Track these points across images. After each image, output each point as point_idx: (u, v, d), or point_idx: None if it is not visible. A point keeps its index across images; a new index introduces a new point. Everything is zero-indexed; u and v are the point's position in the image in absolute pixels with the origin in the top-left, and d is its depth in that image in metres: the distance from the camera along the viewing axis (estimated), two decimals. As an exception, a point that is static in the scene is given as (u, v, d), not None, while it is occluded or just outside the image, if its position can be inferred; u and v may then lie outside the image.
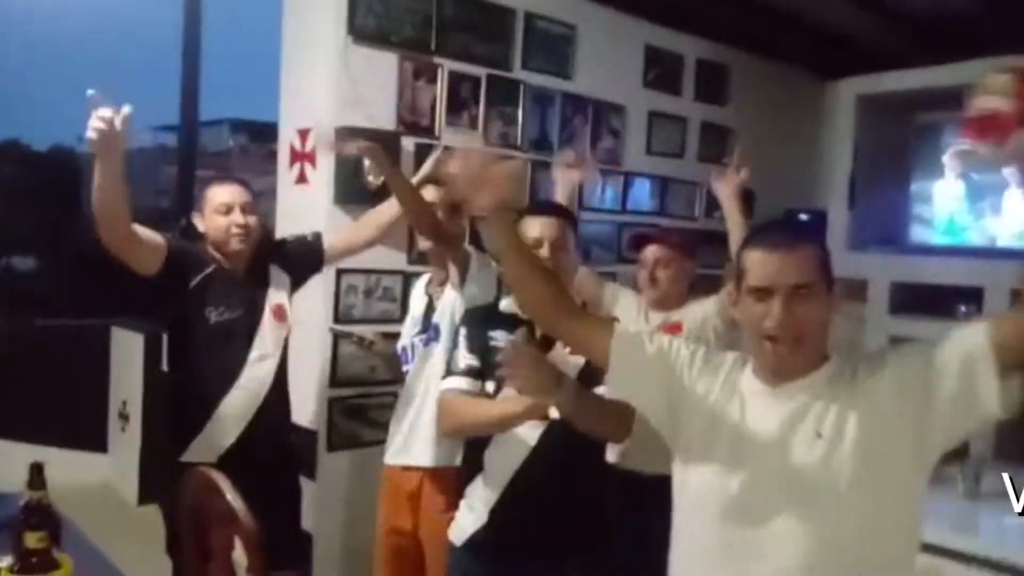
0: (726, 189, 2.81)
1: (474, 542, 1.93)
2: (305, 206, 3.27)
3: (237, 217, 2.40)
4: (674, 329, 2.65)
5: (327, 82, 3.23)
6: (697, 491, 1.44)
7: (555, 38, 3.90)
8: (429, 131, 3.46)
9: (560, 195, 2.94)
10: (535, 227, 1.94)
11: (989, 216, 4.58)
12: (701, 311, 2.71)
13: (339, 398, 3.20)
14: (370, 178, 3.16)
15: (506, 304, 2.01)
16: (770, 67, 4.94)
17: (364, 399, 3.24)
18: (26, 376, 4.11)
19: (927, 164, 4.72)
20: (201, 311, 2.37)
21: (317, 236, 2.78)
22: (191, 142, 5.30)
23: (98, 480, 3.27)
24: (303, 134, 3.31)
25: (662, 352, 1.50)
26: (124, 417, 4.65)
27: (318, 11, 3.26)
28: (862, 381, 1.36)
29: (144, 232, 2.26)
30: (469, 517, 1.95)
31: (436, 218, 2.55)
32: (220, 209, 2.40)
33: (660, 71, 4.40)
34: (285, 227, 3.40)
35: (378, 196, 3.17)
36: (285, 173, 3.42)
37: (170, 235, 2.42)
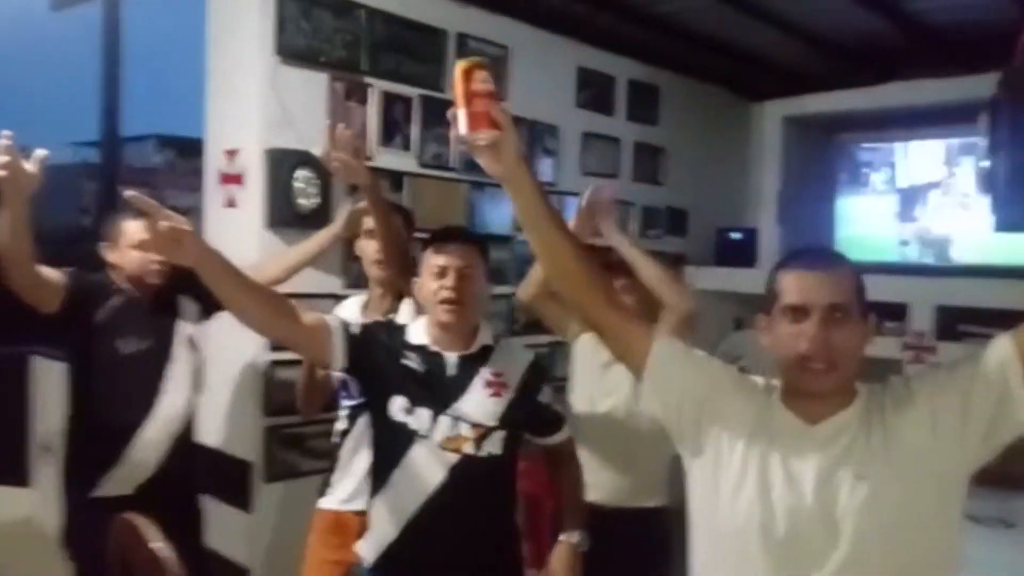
0: (615, 238, 2.70)
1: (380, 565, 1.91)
2: (235, 230, 3.17)
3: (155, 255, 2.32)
4: None
5: (255, 102, 3.15)
6: (728, 530, 1.38)
7: (488, 59, 3.88)
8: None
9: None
10: (439, 256, 1.89)
11: (914, 232, 4.75)
12: None
13: (275, 427, 3.10)
14: (301, 200, 3.10)
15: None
16: (699, 88, 5.04)
17: (301, 427, 3.15)
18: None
19: (849, 182, 4.87)
20: (111, 343, 2.32)
21: None
22: (113, 158, 5.12)
23: (21, 515, 3.10)
24: (230, 154, 3.22)
25: (704, 363, 1.47)
26: (47, 449, 4.45)
27: (245, 29, 3.18)
28: (895, 414, 1.32)
29: (44, 272, 2.20)
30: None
31: (406, 249, 2.50)
32: (137, 245, 2.33)
33: (593, 92, 4.44)
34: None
35: (310, 219, 3.12)
36: (212, 195, 3.32)
37: (71, 270, 2.34)
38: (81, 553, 2.31)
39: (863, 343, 1.36)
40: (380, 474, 1.91)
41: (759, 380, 1.46)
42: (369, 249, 2.52)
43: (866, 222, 4.93)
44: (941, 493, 1.31)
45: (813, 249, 1.56)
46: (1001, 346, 1.28)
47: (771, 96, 4.95)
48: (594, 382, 2.72)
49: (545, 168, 4.21)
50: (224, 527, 3.07)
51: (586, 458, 2.48)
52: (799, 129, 4.87)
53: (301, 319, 1.77)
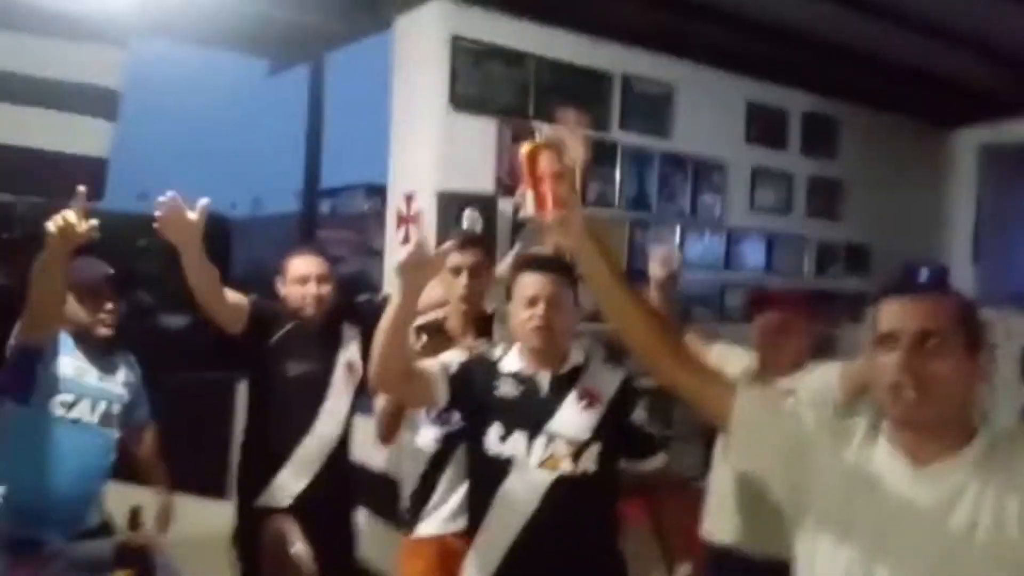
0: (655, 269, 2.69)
1: None
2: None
3: (311, 288, 2.58)
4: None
5: (431, 149, 3.42)
6: None
7: (653, 98, 3.97)
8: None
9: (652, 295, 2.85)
10: (529, 285, 1.92)
11: None
12: (820, 380, 2.39)
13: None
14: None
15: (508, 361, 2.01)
16: (882, 118, 4.81)
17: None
18: (164, 427, 4.41)
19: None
20: (281, 365, 2.56)
21: (385, 297, 2.89)
22: (313, 206, 5.68)
23: (221, 526, 3.45)
24: (408, 198, 3.50)
25: (789, 420, 1.38)
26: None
27: (423, 82, 3.47)
28: (1019, 480, 1.20)
29: (231, 295, 2.48)
30: None
31: None
32: (297, 280, 2.59)
33: (763, 126, 4.38)
34: (393, 287, 3.58)
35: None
36: (392, 235, 3.62)
37: (254, 296, 2.60)
38: (245, 555, 2.55)
39: (968, 379, 1.24)
40: (478, 506, 1.93)
41: (861, 421, 1.37)
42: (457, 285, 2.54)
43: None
44: None
45: (912, 272, 1.48)
46: None
47: (965, 123, 4.62)
48: None
49: (713, 205, 4.19)
50: (383, 544, 3.28)
51: (716, 494, 2.42)
52: (998, 158, 4.50)
53: (416, 374, 1.86)
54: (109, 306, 2.39)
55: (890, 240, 4.72)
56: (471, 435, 1.98)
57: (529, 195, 1.39)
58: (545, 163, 1.37)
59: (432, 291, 2.66)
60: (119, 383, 2.46)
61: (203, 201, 2.17)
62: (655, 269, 2.78)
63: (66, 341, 2.37)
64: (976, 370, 1.25)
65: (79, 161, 3.19)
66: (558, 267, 1.98)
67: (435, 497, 2.41)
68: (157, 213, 2.11)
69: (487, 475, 1.91)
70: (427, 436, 2.41)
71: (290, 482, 2.53)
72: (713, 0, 3.68)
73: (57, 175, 3.16)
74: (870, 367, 1.31)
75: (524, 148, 1.39)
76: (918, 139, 4.94)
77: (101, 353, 2.42)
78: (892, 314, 1.28)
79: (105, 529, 2.39)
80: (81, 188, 2.06)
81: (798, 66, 4.29)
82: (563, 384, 1.95)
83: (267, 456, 2.57)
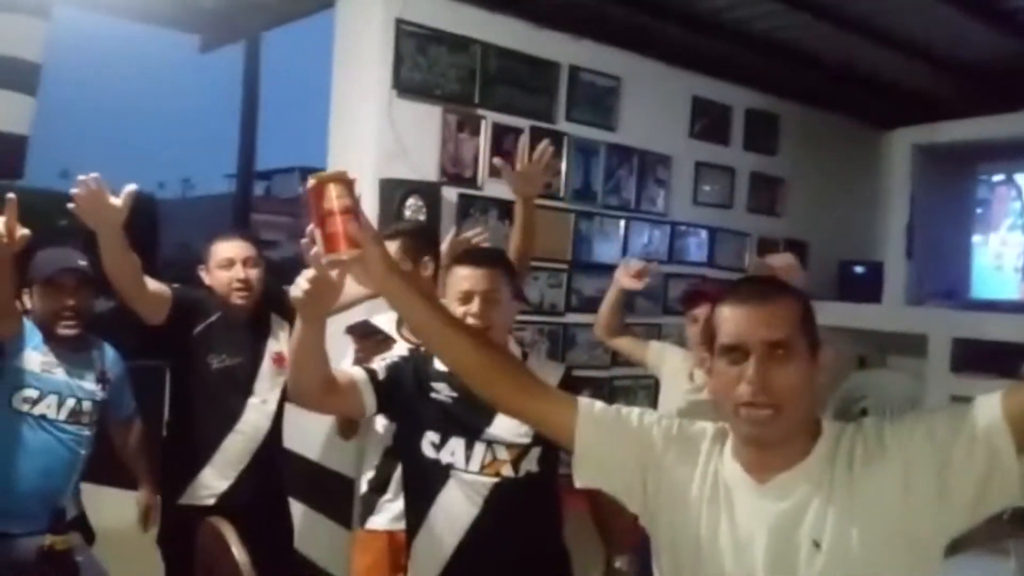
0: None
1: None
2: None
3: (238, 272, 2.43)
4: None
5: (373, 135, 3.31)
6: None
7: (600, 90, 3.93)
8: (472, 182, 3.51)
9: (612, 294, 3.01)
10: (465, 279, 1.82)
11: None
12: None
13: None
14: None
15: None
16: (822, 116, 4.88)
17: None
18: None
19: (988, 215, 4.57)
20: (204, 357, 2.43)
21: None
22: (247, 189, 5.51)
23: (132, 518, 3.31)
24: (348, 185, 3.39)
25: (635, 430, 1.33)
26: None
27: (365, 67, 3.36)
28: (863, 465, 1.17)
29: (152, 285, 2.33)
30: None
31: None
32: (223, 264, 2.44)
33: (708, 121, 4.39)
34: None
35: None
36: (331, 223, 3.50)
37: (177, 285, 2.47)
38: (170, 555, 2.45)
39: (813, 380, 1.20)
40: (416, 513, 1.86)
41: (708, 427, 1.32)
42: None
43: (1007, 258, 4.60)
44: (911, 560, 1.15)
45: (750, 280, 1.41)
46: (989, 408, 1.11)
47: (901, 124, 4.73)
48: (680, 395, 2.73)
49: (657, 198, 4.19)
50: (324, 538, 3.19)
51: None
52: (931, 158, 4.62)
53: (338, 387, 1.71)
54: (70, 302, 2.28)
55: (827, 236, 4.80)
56: (405, 440, 1.89)
57: (318, 234, 1.25)
58: (334, 198, 1.24)
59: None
60: (91, 380, 2.35)
61: (130, 187, 2.03)
62: (628, 282, 2.89)
63: (34, 334, 2.27)
64: (817, 369, 1.21)
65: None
66: (493, 260, 1.90)
67: (389, 491, 2.35)
68: (74, 192, 1.96)
69: (424, 481, 1.83)
70: (380, 425, 2.33)
71: (213, 480, 2.41)
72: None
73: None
74: (714, 379, 1.24)
75: (309, 182, 1.26)
76: (855, 138, 5.04)
77: (72, 348, 2.31)
78: (736, 324, 1.20)
79: (81, 523, 2.33)
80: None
81: (742, 63, 4.31)
82: None
83: (190, 452, 2.44)
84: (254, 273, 2.46)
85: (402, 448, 1.94)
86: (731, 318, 1.21)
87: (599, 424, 1.33)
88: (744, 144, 4.55)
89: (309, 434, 3.16)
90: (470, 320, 1.79)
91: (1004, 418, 1.09)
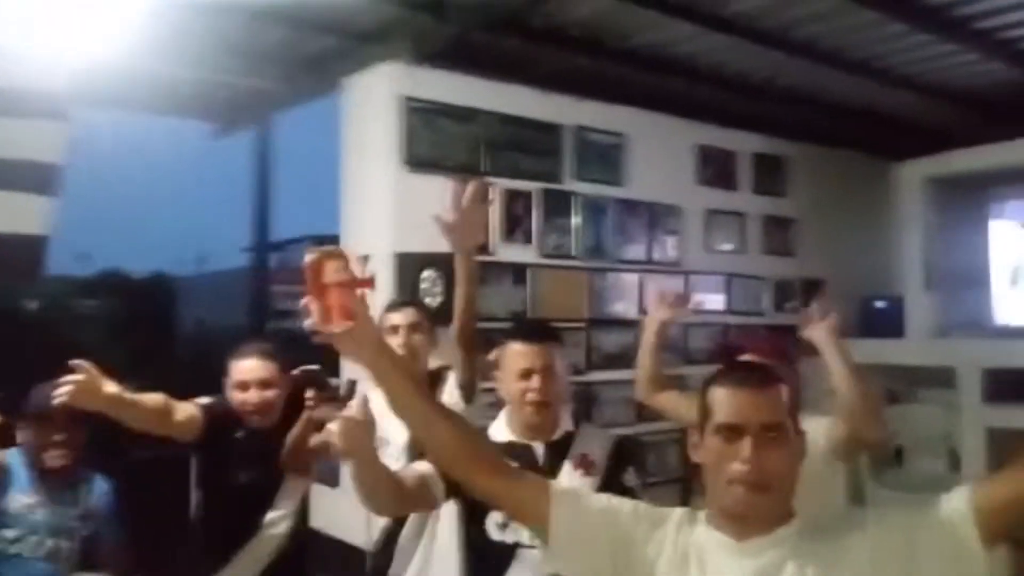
0: (818, 334, 2.40)
1: None
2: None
3: (252, 396, 2.44)
4: None
5: (385, 210, 3.36)
6: None
7: (605, 147, 3.98)
8: (485, 248, 3.53)
9: (647, 338, 2.75)
10: (523, 356, 1.87)
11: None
12: (806, 434, 2.43)
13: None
14: (427, 300, 3.23)
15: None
16: (830, 154, 4.90)
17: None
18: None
19: (1008, 242, 4.53)
20: (229, 471, 2.45)
21: (351, 386, 2.77)
22: (263, 259, 5.62)
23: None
24: (363, 260, 3.43)
25: (606, 511, 1.38)
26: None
27: (374, 144, 3.43)
28: (837, 541, 1.24)
29: (181, 414, 2.34)
30: None
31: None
32: (239, 386, 2.47)
33: (714, 168, 4.42)
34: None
35: (436, 317, 3.24)
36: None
37: (208, 402, 2.47)
38: None
39: (798, 462, 1.30)
40: None
41: (676, 511, 1.38)
42: (393, 343, 2.40)
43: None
44: None
45: (745, 366, 1.53)
46: (960, 499, 1.19)
47: (909, 154, 4.72)
48: None
49: (668, 248, 4.20)
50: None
51: None
52: (944, 188, 4.59)
53: (409, 491, 1.74)
54: (60, 436, 2.29)
55: (844, 273, 4.77)
56: (469, 522, 1.89)
57: (315, 307, 1.30)
58: (332, 272, 1.29)
59: None
60: (75, 516, 2.35)
61: (114, 387, 2.07)
62: (667, 312, 2.68)
63: (19, 472, 2.29)
64: (802, 450, 1.32)
65: (17, 240, 3.07)
66: (546, 335, 1.97)
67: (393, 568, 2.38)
68: (61, 392, 1.98)
69: (491, 563, 1.83)
70: None
71: None
72: (659, 50, 3.73)
73: (-3, 254, 3.05)
74: (702, 450, 1.32)
75: (307, 258, 1.31)
76: (865, 173, 5.04)
77: (59, 482, 2.32)
78: (736, 406, 1.28)
79: None
80: None
81: (745, 109, 4.36)
82: (557, 453, 1.91)
83: (212, 553, 2.46)
84: (270, 395, 2.45)
85: (466, 530, 1.93)
86: (730, 400, 1.29)
87: (572, 506, 1.37)
88: (753, 188, 4.57)
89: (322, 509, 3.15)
90: (530, 395, 1.86)
91: (971, 509, 1.17)
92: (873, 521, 1.25)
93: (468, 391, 2.50)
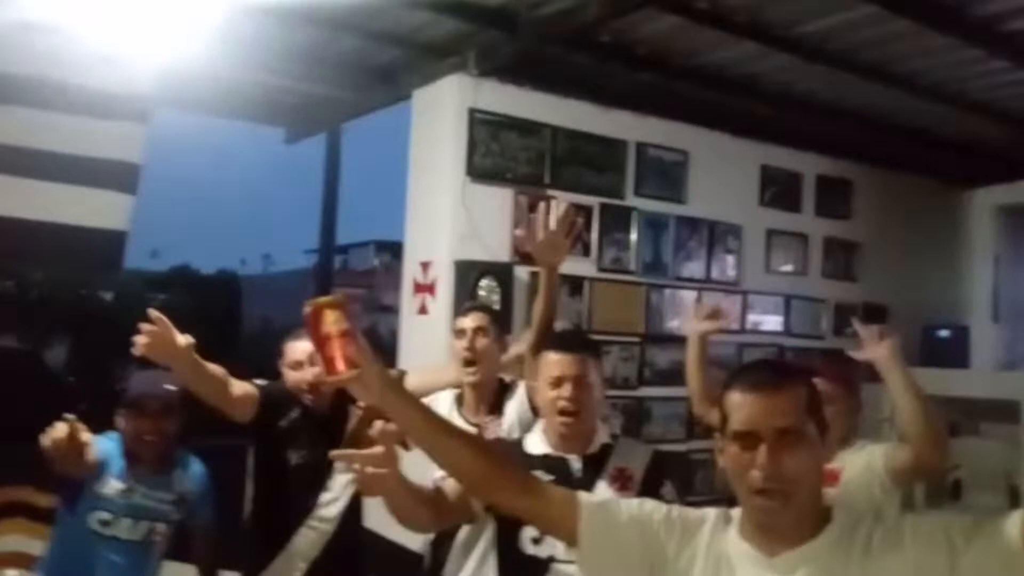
0: (881, 353, 2.29)
1: None
2: (425, 337, 3.43)
3: (307, 374, 2.49)
4: (831, 478, 2.20)
5: (448, 218, 3.44)
6: None
7: (668, 164, 3.99)
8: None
9: (691, 352, 2.70)
10: (556, 364, 1.86)
11: None
12: (865, 458, 2.25)
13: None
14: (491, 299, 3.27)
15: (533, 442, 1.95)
16: (896, 178, 4.82)
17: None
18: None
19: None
20: (284, 452, 2.51)
21: (400, 375, 2.80)
22: (328, 262, 5.75)
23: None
24: (425, 266, 3.51)
25: (637, 521, 1.35)
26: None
27: (440, 155, 3.51)
28: (879, 554, 1.19)
29: (238, 390, 2.41)
30: None
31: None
32: (293, 365, 2.53)
33: (778, 189, 4.39)
34: (407, 355, 3.58)
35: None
36: (408, 303, 3.62)
37: (264, 384, 2.55)
38: None
39: (821, 463, 1.26)
40: None
41: (710, 512, 1.35)
42: (458, 347, 2.49)
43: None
44: None
45: (759, 365, 1.43)
46: (1010, 526, 1.12)
47: (978, 182, 4.62)
48: None
49: (727, 267, 4.19)
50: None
51: None
52: (1015, 218, 4.49)
53: (446, 507, 1.73)
54: (152, 426, 2.36)
55: (907, 300, 4.68)
56: (503, 537, 1.88)
57: (318, 357, 1.32)
58: (331, 323, 1.30)
59: (442, 374, 2.66)
60: (168, 500, 2.43)
61: (185, 340, 2.10)
62: (702, 325, 2.64)
63: (115, 457, 2.36)
64: (824, 452, 1.27)
65: (99, 234, 3.22)
66: (582, 344, 1.95)
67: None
68: (139, 339, 2.01)
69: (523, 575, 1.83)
70: None
71: (286, 565, 2.47)
72: (725, 69, 3.73)
73: (77, 248, 3.19)
74: (726, 460, 1.29)
75: (305, 309, 1.32)
76: (933, 199, 4.94)
77: (153, 468, 2.40)
78: (748, 411, 1.24)
79: None
80: None
81: (811, 130, 4.32)
82: (594, 465, 1.89)
83: (266, 538, 2.52)
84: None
85: (500, 545, 1.92)
86: (742, 405, 1.25)
87: (603, 518, 1.36)
88: (816, 210, 4.52)
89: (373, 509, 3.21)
90: (561, 404, 1.84)
91: (1021, 537, 1.10)
92: (912, 536, 1.19)
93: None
